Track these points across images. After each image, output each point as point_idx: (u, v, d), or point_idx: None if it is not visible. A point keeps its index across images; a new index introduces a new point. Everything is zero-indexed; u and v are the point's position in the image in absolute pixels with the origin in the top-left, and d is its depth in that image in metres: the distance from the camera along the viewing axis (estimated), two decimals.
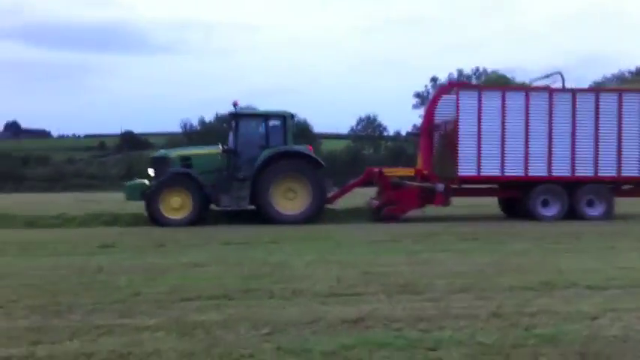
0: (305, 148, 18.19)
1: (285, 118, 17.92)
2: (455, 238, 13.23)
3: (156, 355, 5.12)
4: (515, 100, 18.01)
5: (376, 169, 18.90)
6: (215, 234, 14.24)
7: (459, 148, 17.89)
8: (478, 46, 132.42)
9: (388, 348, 5.26)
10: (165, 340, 5.54)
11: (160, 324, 6.05)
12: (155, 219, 16.92)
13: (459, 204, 21.02)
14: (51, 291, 7.62)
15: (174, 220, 16.77)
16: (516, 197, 18.84)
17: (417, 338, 5.51)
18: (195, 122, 68.16)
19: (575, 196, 18.19)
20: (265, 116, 18.18)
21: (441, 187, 18.00)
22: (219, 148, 17.93)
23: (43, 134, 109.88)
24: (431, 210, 19.03)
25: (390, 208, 18.02)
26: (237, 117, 17.86)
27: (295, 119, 19.50)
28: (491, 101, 17.95)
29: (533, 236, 13.47)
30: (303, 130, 65.98)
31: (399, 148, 65.03)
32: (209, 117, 67.04)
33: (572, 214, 18.10)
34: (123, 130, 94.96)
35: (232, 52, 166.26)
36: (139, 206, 17.80)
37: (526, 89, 18.90)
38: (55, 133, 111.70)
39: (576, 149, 18.02)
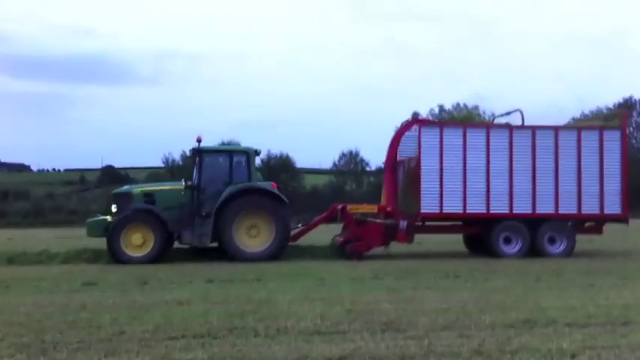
0: (269, 185, 18.16)
1: (248, 154, 17.99)
2: (437, 275, 13.33)
3: None
4: (476, 137, 18.22)
5: (339, 206, 18.97)
6: (198, 271, 14.25)
7: (421, 185, 18.05)
8: (465, 77, 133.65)
9: None
10: None
11: None
12: (116, 256, 16.72)
13: (433, 240, 21.28)
14: (35, 329, 7.62)
15: (135, 257, 16.63)
16: (480, 234, 18.98)
17: None
18: (177, 156, 68.08)
19: (537, 232, 18.32)
20: (229, 152, 18.33)
21: (404, 224, 18.06)
22: (182, 184, 17.93)
23: (23, 168, 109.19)
24: (410, 247, 19.12)
25: (354, 245, 18.05)
26: (201, 153, 17.81)
27: (260, 155, 19.54)
28: (453, 138, 18.14)
29: (514, 273, 13.62)
30: (285, 165, 66.33)
31: (382, 183, 65.20)
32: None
33: (534, 250, 18.27)
34: (104, 164, 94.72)
35: (217, 82, 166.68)
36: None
37: (487, 126, 19.21)
38: (34, 167, 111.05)
39: (537, 186, 18.25)
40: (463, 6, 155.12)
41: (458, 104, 69.60)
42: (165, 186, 18.70)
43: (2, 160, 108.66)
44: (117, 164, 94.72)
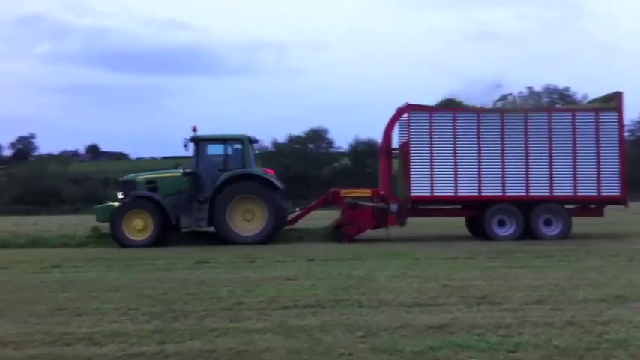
0: (261, 171, 18.82)
1: (243, 141, 18.65)
2: (529, 255, 13.64)
3: (268, 352, 5.93)
4: (466, 122, 18.29)
5: (333, 190, 19.44)
6: (299, 251, 15.07)
7: (410, 170, 18.24)
8: (551, 60, 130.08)
9: (471, 349, 5.91)
10: (273, 340, 6.34)
11: (265, 327, 6.87)
12: (118, 239, 17.74)
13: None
14: (163, 300, 8.57)
15: (135, 241, 17.59)
16: (475, 217, 19.04)
17: (497, 342, 6.14)
18: (267, 143, 69.69)
19: (532, 215, 18.23)
20: (224, 140, 18.86)
21: (394, 207, 18.33)
22: (180, 172, 18.86)
23: (122, 156, 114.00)
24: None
25: (346, 228, 18.52)
26: (198, 141, 18.62)
27: (257, 143, 20.35)
28: (443, 123, 18.27)
29: (607, 253, 13.73)
30: (372, 150, 66.66)
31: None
32: (281, 137, 68.46)
33: (529, 233, 18.21)
34: None
35: (303, 70, 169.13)
36: None
37: (477, 110, 18.89)
38: (133, 155, 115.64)
39: (530, 169, 18.18)
40: None
41: (548, 86, 68.21)
42: (167, 173, 19.54)
43: (103, 149, 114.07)
44: (209, 151, 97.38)
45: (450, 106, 19.87)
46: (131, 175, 19.85)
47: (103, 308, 8.07)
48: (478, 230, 19.05)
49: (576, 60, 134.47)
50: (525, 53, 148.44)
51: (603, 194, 18.19)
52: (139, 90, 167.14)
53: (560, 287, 9.11)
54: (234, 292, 9.08)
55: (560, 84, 67.59)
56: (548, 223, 18.29)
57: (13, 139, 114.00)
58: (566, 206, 18.74)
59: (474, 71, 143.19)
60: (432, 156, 18.13)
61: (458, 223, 21.12)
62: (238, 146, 18.66)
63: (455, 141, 18.15)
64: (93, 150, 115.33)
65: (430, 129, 18.20)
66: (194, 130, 18.59)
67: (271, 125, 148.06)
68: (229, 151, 18.65)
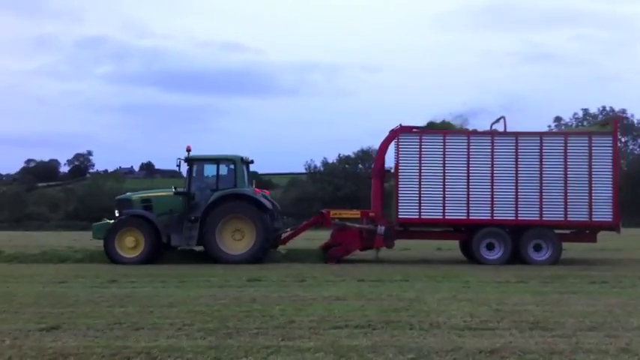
0: (251, 191, 18.84)
1: (235, 161, 18.78)
2: (582, 280, 13.46)
3: None
4: (456, 144, 18.08)
5: (324, 211, 19.37)
6: (348, 271, 15.15)
7: (399, 192, 18.15)
8: (608, 82, 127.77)
9: None
10: None
11: (317, 346, 6.98)
12: (111, 257, 17.95)
13: (578, 248, 20.94)
14: (218, 317, 8.76)
15: (127, 258, 17.78)
16: (466, 241, 18.76)
17: None
18: (318, 163, 69.97)
19: (522, 240, 17.90)
20: (216, 160, 19.00)
21: (381, 229, 18.17)
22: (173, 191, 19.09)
23: (175, 174, 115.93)
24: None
25: (334, 249, 18.43)
26: (191, 161, 18.85)
27: (252, 163, 20.35)
28: (432, 145, 18.11)
29: None
30: None
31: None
32: (332, 157, 68.64)
33: (518, 257, 17.92)
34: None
35: (354, 92, 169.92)
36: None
37: (467, 133, 18.51)
38: (186, 172, 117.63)
39: (519, 193, 17.83)
40: (606, 8, 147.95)
41: (604, 107, 66.95)
42: (162, 192, 19.70)
43: (157, 167, 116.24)
44: (261, 170, 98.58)
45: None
46: (128, 193, 20.32)
47: (160, 323, 8.30)
48: (471, 254, 18.82)
49: (634, 82, 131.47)
50: (581, 75, 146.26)
51: (595, 219, 17.82)
52: (193, 110, 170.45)
53: (614, 314, 9.00)
54: (286, 310, 9.23)
55: (617, 106, 66.40)
56: (538, 247, 18.01)
57: (70, 156, 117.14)
58: (561, 231, 18.51)
59: (527, 93, 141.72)
60: (420, 178, 18.07)
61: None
62: (230, 166, 18.91)
63: (444, 163, 18.05)
64: (147, 167, 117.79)
65: (419, 151, 18.14)
66: (188, 150, 18.90)
67: (322, 145, 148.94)
68: (221, 171, 18.92)
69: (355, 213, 19.22)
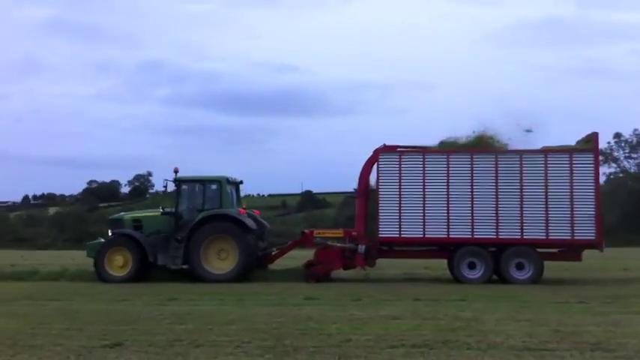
0: (236, 212, 18.89)
1: (220, 182, 19.05)
2: None
3: None
4: (435, 163, 18.09)
5: (307, 231, 19.51)
6: (404, 290, 15.10)
7: (379, 211, 18.12)
8: None
9: None
10: None
11: None
12: (100, 275, 18.47)
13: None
14: (275, 335, 8.87)
15: (115, 276, 18.26)
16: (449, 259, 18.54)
17: None
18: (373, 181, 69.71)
19: (503, 258, 17.66)
20: (202, 181, 19.34)
21: (362, 248, 18.21)
22: (160, 212, 19.45)
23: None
24: (614, 273, 18.53)
25: (315, 268, 18.47)
26: (178, 182, 19.20)
27: (242, 183, 20.75)
28: (412, 164, 18.18)
29: None
30: None
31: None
32: None
33: (500, 276, 17.82)
34: (303, 190, 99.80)
35: (407, 110, 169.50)
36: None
37: (447, 152, 18.44)
38: (241, 192, 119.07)
39: (500, 211, 17.60)
40: None
41: None
42: (152, 212, 20.12)
43: None
44: (315, 189, 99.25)
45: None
46: (121, 213, 20.77)
47: (219, 341, 8.45)
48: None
49: None
50: (635, 91, 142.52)
51: (577, 237, 17.55)
52: (247, 131, 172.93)
53: None
54: (342, 329, 9.27)
55: None
56: (520, 266, 17.77)
57: (131, 177, 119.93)
58: (548, 250, 18.28)
59: (588, 109, 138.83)
60: (400, 197, 18.09)
61: None
62: (216, 187, 19.14)
63: (424, 182, 18.10)
64: None
65: (399, 170, 18.19)
66: (176, 171, 19.25)
67: None
68: (207, 192, 19.19)
69: (338, 232, 19.59)
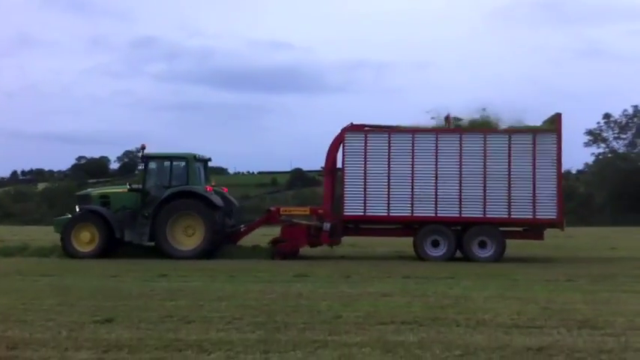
0: (202, 189, 18.96)
1: (187, 159, 19.17)
2: (634, 280, 13.24)
3: None
4: (400, 142, 18.27)
5: (274, 208, 19.77)
6: (394, 268, 15.21)
7: (344, 189, 18.40)
8: None
9: None
10: (371, 355, 6.53)
11: (364, 341, 7.06)
12: (67, 250, 18.62)
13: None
14: (266, 311, 8.91)
15: (82, 252, 18.39)
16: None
17: None
18: None
19: (466, 237, 18.00)
20: (170, 158, 19.45)
21: (327, 225, 18.42)
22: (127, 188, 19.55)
23: (221, 171, 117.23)
24: (602, 251, 18.73)
25: (280, 245, 18.74)
26: (146, 158, 19.43)
27: (210, 161, 20.97)
28: (377, 143, 18.36)
29: None
30: None
31: (570, 188, 62.54)
32: None
33: (463, 254, 18.17)
34: (292, 167, 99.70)
35: (403, 89, 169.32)
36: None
37: (412, 131, 18.62)
38: (231, 170, 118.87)
39: (463, 190, 17.86)
40: None
41: None
42: (119, 189, 20.22)
43: None
44: (306, 167, 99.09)
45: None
46: (88, 189, 21.04)
47: (210, 317, 8.49)
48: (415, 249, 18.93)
49: None
50: (635, 71, 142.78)
51: (539, 217, 17.82)
52: (240, 107, 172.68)
53: None
54: (333, 306, 9.33)
55: None
56: (482, 244, 18.07)
57: (121, 153, 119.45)
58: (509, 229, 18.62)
59: (580, 90, 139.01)
60: (365, 176, 18.30)
61: None
62: (183, 164, 19.25)
63: (389, 161, 18.28)
64: None
65: (365, 149, 18.38)
66: (142, 147, 19.40)
67: None
68: (175, 169, 19.29)
69: (305, 210, 19.80)
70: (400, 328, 7.79)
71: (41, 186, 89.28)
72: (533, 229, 18.56)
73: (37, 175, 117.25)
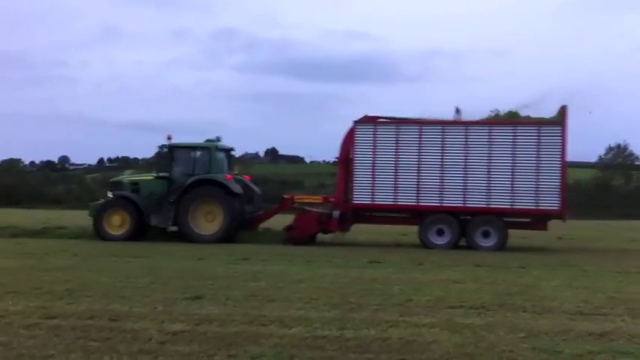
0: (223, 177, 19.78)
1: (210, 149, 20.58)
2: None
3: (435, 344, 6.62)
4: (408, 134, 18.82)
5: (287, 196, 20.33)
6: (465, 257, 15.59)
7: (354, 178, 19.01)
8: None
9: (630, 356, 6.25)
10: (440, 335, 7.03)
11: (433, 323, 7.57)
12: (99, 234, 19.82)
13: None
14: (341, 294, 9.53)
15: (114, 235, 19.62)
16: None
17: None
18: None
19: (470, 226, 18.12)
20: (194, 148, 20.83)
21: (336, 213, 18.84)
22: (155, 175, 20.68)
23: (298, 160, 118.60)
24: None
25: (291, 232, 19.13)
26: (171, 148, 20.78)
27: (233, 150, 22.33)
28: (386, 134, 19.00)
29: None
30: None
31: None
32: None
33: (466, 243, 18.29)
34: None
35: (480, 78, 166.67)
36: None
37: (420, 122, 18.85)
38: (307, 159, 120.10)
39: (468, 180, 18.00)
40: None
41: None
42: (148, 177, 21.33)
43: (281, 152, 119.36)
44: None
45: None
46: (120, 176, 22.30)
47: (290, 297, 9.18)
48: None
49: None
50: None
51: (541, 207, 17.89)
52: (318, 97, 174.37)
53: None
54: (404, 290, 9.86)
55: None
56: (486, 234, 18.25)
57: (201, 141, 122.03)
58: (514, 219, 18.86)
59: None
60: (374, 165, 18.79)
61: None
62: (205, 153, 20.39)
63: (397, 152, 18.82)
64: (272, 153, 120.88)
65: (374, 140, 18.95)
66: (169, 138, 20.68)
67: None
68: (198, 157, 20.35)
69: (318, 198, 20.69)
70: (468, 312, 8.25)
71: (127, 173, 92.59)
72: (536, 219, 18.96)
73: (123, 162, 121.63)
